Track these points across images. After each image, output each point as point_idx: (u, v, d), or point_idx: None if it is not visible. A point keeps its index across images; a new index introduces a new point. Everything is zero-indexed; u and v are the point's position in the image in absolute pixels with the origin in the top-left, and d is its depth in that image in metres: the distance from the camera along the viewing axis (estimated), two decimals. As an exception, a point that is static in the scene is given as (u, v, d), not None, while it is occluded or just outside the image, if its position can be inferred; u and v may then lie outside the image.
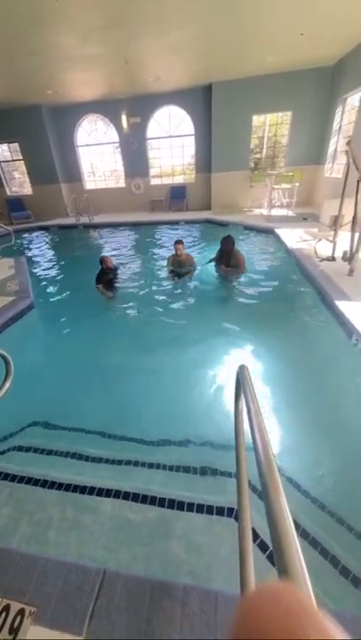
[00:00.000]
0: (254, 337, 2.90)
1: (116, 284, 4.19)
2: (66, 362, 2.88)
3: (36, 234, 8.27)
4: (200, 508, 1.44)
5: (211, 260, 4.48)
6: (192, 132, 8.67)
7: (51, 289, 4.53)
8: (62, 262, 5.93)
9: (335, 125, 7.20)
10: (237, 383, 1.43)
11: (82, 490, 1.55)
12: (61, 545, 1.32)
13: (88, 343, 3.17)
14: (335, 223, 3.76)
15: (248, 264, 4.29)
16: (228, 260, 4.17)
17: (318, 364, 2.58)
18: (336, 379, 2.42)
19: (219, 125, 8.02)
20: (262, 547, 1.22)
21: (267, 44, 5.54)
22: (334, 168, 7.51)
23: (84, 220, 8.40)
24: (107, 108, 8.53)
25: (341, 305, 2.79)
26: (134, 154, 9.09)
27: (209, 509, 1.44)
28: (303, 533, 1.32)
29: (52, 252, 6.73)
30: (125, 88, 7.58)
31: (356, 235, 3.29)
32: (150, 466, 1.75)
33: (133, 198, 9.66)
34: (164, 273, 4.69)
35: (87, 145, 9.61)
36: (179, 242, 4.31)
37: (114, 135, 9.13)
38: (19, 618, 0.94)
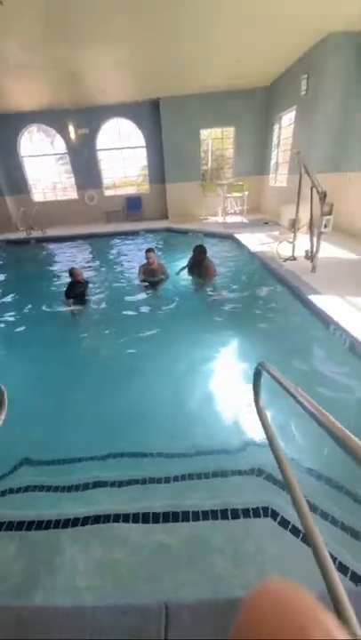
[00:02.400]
0: (235, 338, 2.98)
1: (87, 298, 3.98)
2: (39, 388, 2.60)
3: (-20, 251, 7.50)
4: (234, 514, 1.40)
5: (182, 269, 4.51)
6: (143, 143, 8.78)
7: (8, 310, 4.12)
8: (17, 279, 5.47)
9: (274, 140, 7.92)
10: (256, 380, 1.45)
11: (103, 519, 1.40)
12: (96, 588, 1.16)
13: (58, 364, 2.92)
14: (293, 226, 4.09)
15: (218, 268, 4.42)
16: (199, 269, 4.24)
17: (300, 354, 2.74)
18: (319, 365, 2.58)
19: (169, 138, 8.26)
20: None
21: (206, 67, 5.94)
22: (278, 178, 8.23)
23: (37, 233, 7.88)
24: (53, 117, 8.23)
25: (314, 298, 3.02)
26: (85, 165, 8.87)
27: (238, 513, 1.40)
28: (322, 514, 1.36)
29: (2, 269, 6.16)
30: (71, 99, 7.42)
31: (315, 235, 3.61)
32: (167, 480, 1.66)
33: (87, 210, 9.38)
34: (133, 284, 4.60)
35: (33, 156, 9.12)
36: (150, 250, 4.26)
37: (61, 146, 8.82)
38: None
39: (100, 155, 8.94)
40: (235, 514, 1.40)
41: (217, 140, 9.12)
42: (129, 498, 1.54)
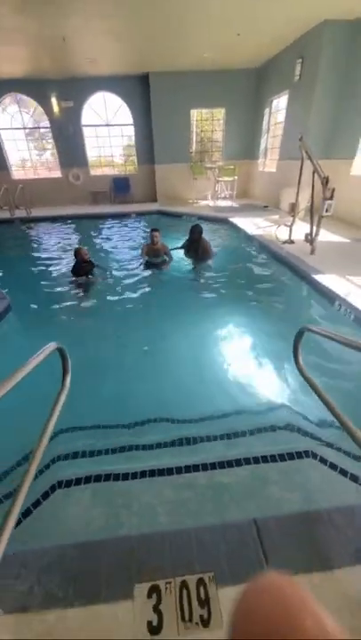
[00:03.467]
0: (243, 316, 3.15)
1: (93, 279, 3.95)
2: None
3: None
4: (281, 457, 1.60)
5: (177, 248, 4.54)
6: (131, 121, 8.48)
7: (21, 287, 4.00)
8: (19, 259, 5.25)
9: (265, 124, 7.99)
10: (297, 340, 1.63)
11: (166, 472, 1.54)
12: (176, 523, 1.31)
13: (74, 341, 2.95)
14: (293, 210, 4.28)
15: (215, 251, 4.55)
16: (196, 248, 4.34)
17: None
18: (326, 341, 2.83)
19: (159, 117, 8.04)
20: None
21: (205, 39, 5.80)
22: (267, 163, 8.37)
23: (21, 213, 7.47)
24: (34, 87, 7.67)
25: (319, 277, 3.26)
26: (69, 141, 8.43)
27: (285, 457, 1.61)
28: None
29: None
30: (56, 68, 6.94)
31: (316, 219, 3.82)
32: (213, 438, 1.83)
33: (72, 189, 8.99)
34: (135, 265, 4.61)
35: (11, 128, 8.48)
36: (155, 229, 4.27)
37: (43, 119, 8.28)
38: (202, 588, 0.95)
39: (86, 131, 8.52)
40: (282, 457, 1.60)
41: (203, 121, 9.00)
42: (186, 453, 1.70)
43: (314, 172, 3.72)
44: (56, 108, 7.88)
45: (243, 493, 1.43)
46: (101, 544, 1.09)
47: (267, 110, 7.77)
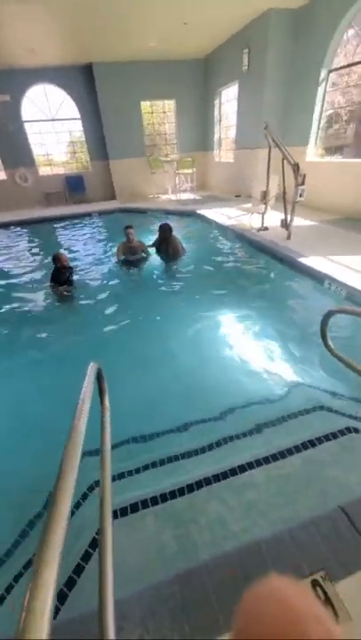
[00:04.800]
0: (234, 307, 3.16)
1: (73, 284, 3.68)
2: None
3: None
4: (319, 440, 1.62)
5: (149, 247, 4.40)
6: (78, 115, 7.97)
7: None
8: None
9: (216, 115, 8.06)
10: (324, 322, 1.67)
11: (221, 477, 1.48)
12: (251, 526, 1.26)
13: (66, 353, 2.72)
14: (265, 198, 4.39)
15: (189, 245, 4.49)
16: (166, 247, 4.25)
17: (301, 310, 3.09)
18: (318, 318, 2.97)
19: (108, 110, 7.67)
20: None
21: (150, 28, 5.61)
22: (221, 154, 8.48)
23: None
24: None
25: (303, 260, 3.39)
26: (10, 139, 7.67)
27: (321, 439, 1.64)
28: None
29: None
30: (-15, 57, 6.21)
31: (289, 206, 3.96)
32: (250, 433, 1.80)
33: (20, 192, 8.24)
34: (109, 265, 4.39)
35: None
36: (129, 226, 4.08)
37: (-25, 115, 7.41)
38: (319, 588, 0.92)
39: (28, 127, 7.82)
40: (327, 438, 1.63)
41: (149, 114, 8.70)
42: (229, 453, 1.64)
43: (283, 160, 3.83)
44: (-10, 103, 7.11)
45: (306, 482, 1.43)
46: (197, 570, 1.00)
47: (217, 101, 7.84)
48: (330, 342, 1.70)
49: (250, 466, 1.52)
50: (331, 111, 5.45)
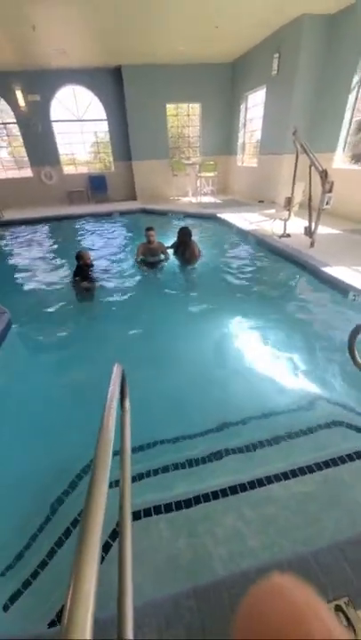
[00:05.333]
0: (252, 313, 3.10)
1: (95, 281, 3.72)
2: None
3: None
4: (342, 460, 1.56)
5: (168, 248, 4.38)
6: (104, 116, 8.12)
7: (17, 298, 3.66)
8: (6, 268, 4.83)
9: (241, 119, 8.02)
10: (353, 337, 1.61)
11: (240, 489, 1.45)
12: (269, 545, 1.23)
13: (88, 352, 2.75)
14: (289, 204, 4.32)
15: (208, 248, 4.45)
16: (184, 250, 4.24)
17: (323, 323, 3.00)
18: (341, 331, 2.87)
19: (134, 112, 7.77)
20: None
21: (181, 32, 5.65)
22: (244, 159, 8.43)
23: (-8, 217, 6.89)
24: (-5, 79, 7.06)
25: (328, 270, 3.30)
26: (38, 138, 7.89)
27: (344, 459, 1.57)
28: None
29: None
30: (19, 59, 6.42)
31: (314, 213, 3.88)
32: (269, 443, 1.75)
33: (45, 190, 8.46)
34: (130, 265, 4.41)
35: (-30, 124, 7.77)
36: (150, 228, 4.11)
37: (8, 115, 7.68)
38: (341, 614, 0.88)
39: (56, 127, 8.03)
40: (342, 460, 1.56)
41: (173, 117, 8.70)
42: (248, 464, 1.61)
43: (310, 166, 3.76)
44: (22, 103, 7.34)
45: (329, 502, 1.37)
46: (215, 586, 0.97)
47: (243, 105, 7.80)
48: (359, 358, 1.64)
49: (268, 480, 1.48)
50: (360, 117, 5.31)
